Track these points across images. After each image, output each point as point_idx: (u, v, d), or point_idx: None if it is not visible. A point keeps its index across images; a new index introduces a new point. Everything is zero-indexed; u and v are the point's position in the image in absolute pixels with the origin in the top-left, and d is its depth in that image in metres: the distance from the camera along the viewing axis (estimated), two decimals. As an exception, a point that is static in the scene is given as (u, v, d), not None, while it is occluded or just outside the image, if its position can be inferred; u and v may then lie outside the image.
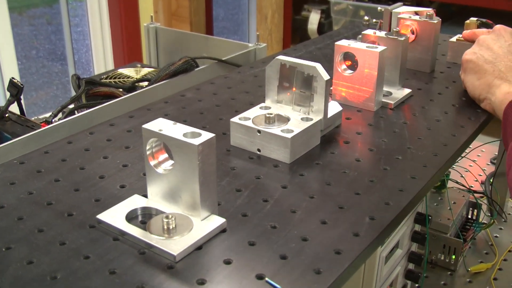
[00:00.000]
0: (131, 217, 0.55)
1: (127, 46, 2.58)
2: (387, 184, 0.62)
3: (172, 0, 2.80)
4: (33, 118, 1.03)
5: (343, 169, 0.65)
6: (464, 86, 0.85)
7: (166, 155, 0.55)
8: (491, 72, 0.79)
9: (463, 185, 1.07)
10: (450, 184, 1.06)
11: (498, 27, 0.84)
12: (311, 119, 0.69)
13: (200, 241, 0.52)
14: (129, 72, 1.22)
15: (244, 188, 0.61)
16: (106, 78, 1.19)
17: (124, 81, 1.18)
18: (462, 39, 0.97)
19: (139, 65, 1.27)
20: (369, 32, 0.85)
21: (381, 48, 0.77)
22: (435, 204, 1.00)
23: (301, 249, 0.51)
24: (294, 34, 2.95)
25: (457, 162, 1.16)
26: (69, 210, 0.57)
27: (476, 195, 1.08)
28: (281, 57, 0.70)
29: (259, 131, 0.67)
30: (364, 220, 0.56)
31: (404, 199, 0.60)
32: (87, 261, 0.49)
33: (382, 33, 0.84)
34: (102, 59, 2.65)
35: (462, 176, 1.12)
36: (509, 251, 1.02)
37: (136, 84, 1.11)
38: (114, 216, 0.55)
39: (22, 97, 1.02)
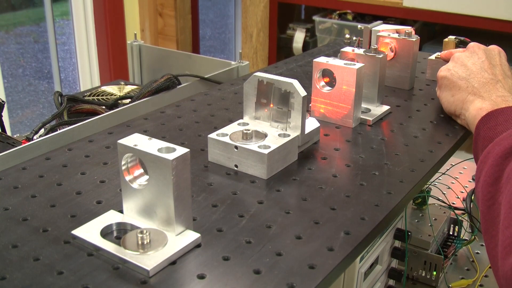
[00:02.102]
0: (106, 233, 0.55)
1: (113, 65, 2.59)
2: (363, 200, 0.63)
3: (158, 19, 2.81)
4: (15, 136, 1.03)
5: (319, 184, 0.66)
6: (440, 102, 0.86)
7: (141, 170, 0.56)
8: (465, 88, 0.80)
9: (444, 202, 1.08)
10: (431, 201, 1.06)
11: (472, 44, 0.85)
12: (288, 135, 0.69)
13: (174, 256, 0.52)
14: (112, 89, 1.23)
15: (220, 204, 0.61)
16: (89, 96, 1.20)
17: (107, 98, 1.18)
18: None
19: (122, 83, 1.27)
20: (347, 49, 0.86)
21: (359, 65, 0.78)
22: (416, 220, 1.01)
23: (275, 264, 0.52)
24: (279, 53, 2.97)
25: (439, 179, 1.16)
26: (44, 225, 0.56)
27: (457, 211, 1.09)
28: (258, 73, 0.71)
29: (236, 147, 0.67)
30: (339, 235, 0.56)
31: (379, 214, 0.60)
32: (60, 276, 0.49)
33: (361, 51, 0.85)
34: (88, 78, 2.66)
35: (443, 193, 1.13)
36: (490, 267, 1.02)
37: (119, 101, 1.12)
38: (89, 231, 0.55)
39: (4, 113, 1.02)
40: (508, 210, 0.55)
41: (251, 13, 2.85)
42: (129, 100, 1.09)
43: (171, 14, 2.81)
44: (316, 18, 2.78)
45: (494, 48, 0.85)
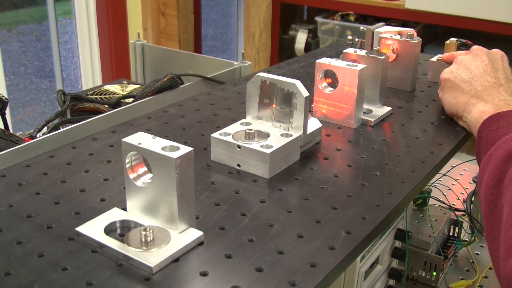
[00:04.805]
0: (110, 230, 0.56)
1: (116, 64, 2.59)
2: (364, 199, 0.63)
3: (161, 18, 2.82)
4: (18, 134, 1.03)
5: (321, 184, 0.66)
6: (442, 104, 0.87)
7: (145, 169, 0.56)
8: (468, 91, 0.80)
9: (444, 203, 1.08)
10: (432, 201, 1.07)
11: (475, 47, 0.86)
12: (291, 135, 0.70)
13: (177, 253, 0.52)
14: (115, 88, 1.23)
15: (222, 202, 0.62)
16: (92, 94, 1.20)
17: (109, 97, 1.19)
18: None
19: (125, 82, 1.28)
20: (350, 50, 0.87)
21: (361, 66, 0.78)
22: (417, 221, 1.01)
23: (276, 262, 0.52)
24: (281, 53, 2.97)
25: (440, 180, 1.17)
26: (48, 222, 0.57)
27: (457, 212, 1.09)
28: (261, 74, 0.72)
29: (239, 147, 0.68)
30: (340, 234, 0.57)
31: (380, 214, 0.61)
32: (64, 272, 0.50)
33: (363, 52, 0.86)
34: (90, 76, 2.66)
35: (444, 194, 1.13)
36: (490, 268, 1.03)
37: (122, 100, 1.12)
38: (93, 228, 0.55)
39: (6, 111, 1.02)
40: (510, 212, 0.56)
41: (253, 14, 2.86)
42: (132, 99, 1.10)
43: (174, 13, 2.81)
44: (319, 19, 2.78)
45: (497, 52, 0.85)
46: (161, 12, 2.82)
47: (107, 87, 1.24)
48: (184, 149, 0.52)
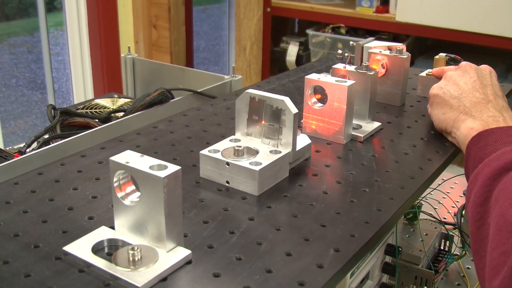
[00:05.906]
0: (97, 249, 0.55)
1: (107, 76, 2.59)
2: (353, 216, 0.63)
3: (152, 31, 2.82)
4: (8, 148, 1.03)
5: (310, 201, 0.66)
6: (431, 119, 0.87)
7: (133, 187, 0.56)
8: (457, 107, 0.81)
9: (435, 217, 1.08)
10: (422, 216, 1.07)
11: (464, 63, 0.86)
12: (280, 152, 0.70)
13: (165, 272, 0.52)
14: (106, 102, 1.23)
15: (211, 220, 0.61)
16: (82, 109, 1.20)
17: (100, 111, 1.19)
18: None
19: (115, 96, 1.28)
20: (339, 66, 0.87)
21: (350, 82, 0.79)
22: (407, 235, 1.01)
23: (265, 281, 0.52)
24: (272, 66, 2.98)
25: (430, 194, 1.17)
26: (35, 241, 0.57)
27: (448, 226, 1.09)
28: (250, 90, 0.72)
29: (227, 164, 0.68)
30: (329, 252, 0.57)
31: (369, 231, 0.61)
32: (51, 293, 0.50)
33: (352, 68, 0.86)
34: (82, 89, 2.66)
35: (435, 208, 1.13)
36: (480, 282, 1.03)
37: (112, 114, 1.12)
38: (80, 247, 0.55)
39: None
40: (496, 231, 0.56)
41: (244, 26, 2.87)
42: (122, 113, 1.10)
43: (165, 26, 2.82)
44: (310, 31, 2.79)
45: (486, 68, 0.86)
46: (152, 25, 2.82)
47: (97, 101, 1.24)
48: (172, 168, 0.52)
